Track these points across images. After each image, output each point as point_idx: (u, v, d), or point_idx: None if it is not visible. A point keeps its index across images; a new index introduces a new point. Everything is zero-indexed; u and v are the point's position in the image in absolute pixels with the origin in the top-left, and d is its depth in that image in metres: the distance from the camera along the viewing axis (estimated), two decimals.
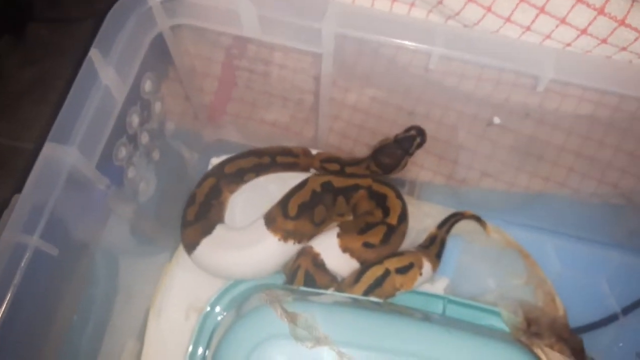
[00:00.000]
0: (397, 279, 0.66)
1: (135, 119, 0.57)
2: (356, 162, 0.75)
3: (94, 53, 0.51)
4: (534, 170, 0.75)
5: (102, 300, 0.66)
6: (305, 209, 0.69)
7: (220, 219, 0.75)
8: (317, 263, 0.68)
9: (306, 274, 0.67)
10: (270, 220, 0.69)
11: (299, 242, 0.69)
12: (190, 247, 0.70)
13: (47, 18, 0.94)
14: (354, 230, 0.70)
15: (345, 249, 0.68)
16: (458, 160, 0.77)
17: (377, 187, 0.73)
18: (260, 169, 0.77)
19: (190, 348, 0.66)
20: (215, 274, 0.71)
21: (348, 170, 0.75)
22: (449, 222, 0.75)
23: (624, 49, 0.52)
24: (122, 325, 0.70)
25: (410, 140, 0.70)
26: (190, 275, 0.75)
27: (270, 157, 0.76)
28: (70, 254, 0.54)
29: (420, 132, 0.70)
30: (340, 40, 0.58)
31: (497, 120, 0.65)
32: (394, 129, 0.76)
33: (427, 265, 0.69)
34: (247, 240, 0.69)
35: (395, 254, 0.69)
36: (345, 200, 0.73)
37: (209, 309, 0.69)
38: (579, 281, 0.78)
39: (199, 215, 0.73)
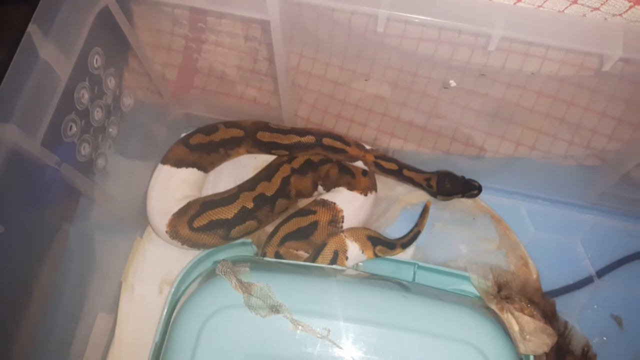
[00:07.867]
0: None
1: (84, 95, 0.57)
2: (415, 169, 0.75)
3: (32, 29, 0.50)
4: (503, 134, 0.73)
5: (77, 276, 0.66)
6: (219, 226, 0.69)
7: (207, 167, 0.76)
8: (334, 220, 0.71)
9: (312, 224, 0.70)
10: (187, 208, 0.70)
11: (189, 246, 0.71)
12: (164, 160, 0.74)
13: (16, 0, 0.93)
14: (349, 179, 0.74)
15: (364, 190, 0.73)
16: (427, 127, 0.76)
17: (297, 164, 0.75)
18: (297, 148, 0.75)
19: (162, 320, 0.67)
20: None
21: (406, 173, 0.74)
22: (410, 241, 0.75)
23: (574, 2, 0.50)
24: (96, 299, 0.71)
25: (471, 188, 0.74)
26: (162, 250, 0.76)
27: (316, 137, 0.74)
28: (26, 229, 0.55)
29: (480, 189, 0.74)
30: (289, 6, 0.56)
31: (453, 83, 0.63)
32: (363, 100, 0.75)
33: (353, 246, 0.69)
34: (163, 205, 0.71)
35: (319, 248, 0.69)
36: (284, 198, 0.73)
37: (178, 282, 0.69)
38: (553, 244, 0.78)
39: (199, 148, 0.74)
